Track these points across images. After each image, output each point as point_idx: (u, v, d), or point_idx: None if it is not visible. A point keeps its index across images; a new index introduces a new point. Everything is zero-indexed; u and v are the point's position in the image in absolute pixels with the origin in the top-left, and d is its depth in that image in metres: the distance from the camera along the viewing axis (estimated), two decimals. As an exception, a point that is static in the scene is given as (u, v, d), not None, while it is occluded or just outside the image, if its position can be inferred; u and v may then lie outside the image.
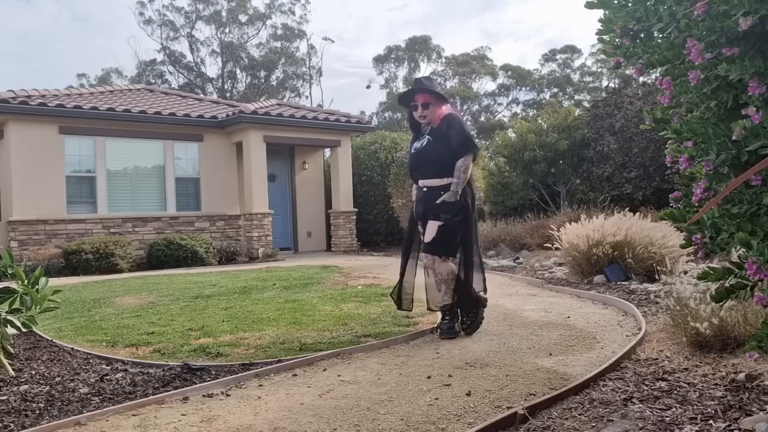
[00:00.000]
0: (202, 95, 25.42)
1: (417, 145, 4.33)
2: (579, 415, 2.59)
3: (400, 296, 4.51)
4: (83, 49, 49.98)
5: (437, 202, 4.21)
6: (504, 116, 35.03)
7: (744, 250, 1.91)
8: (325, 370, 3.55)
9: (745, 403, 2.58)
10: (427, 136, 4.28)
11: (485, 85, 36.32)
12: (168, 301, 6.41)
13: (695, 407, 2.58)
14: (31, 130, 11.40)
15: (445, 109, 4.33)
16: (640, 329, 4.18)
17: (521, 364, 3.50)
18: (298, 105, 18.34)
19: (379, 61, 35.62)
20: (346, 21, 54.65)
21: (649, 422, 2.43)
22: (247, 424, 2.67)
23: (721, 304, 2.94)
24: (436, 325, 4.44)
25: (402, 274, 4.48)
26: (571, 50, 35.58)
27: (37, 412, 2.89)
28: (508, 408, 2.70)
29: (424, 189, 4.29)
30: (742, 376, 2.92)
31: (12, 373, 3.51)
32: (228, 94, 32.95)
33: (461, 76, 35.35)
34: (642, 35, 2.12)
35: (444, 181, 4.21)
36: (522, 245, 10.50)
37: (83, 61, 53.28)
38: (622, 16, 2.10)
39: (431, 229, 4.22)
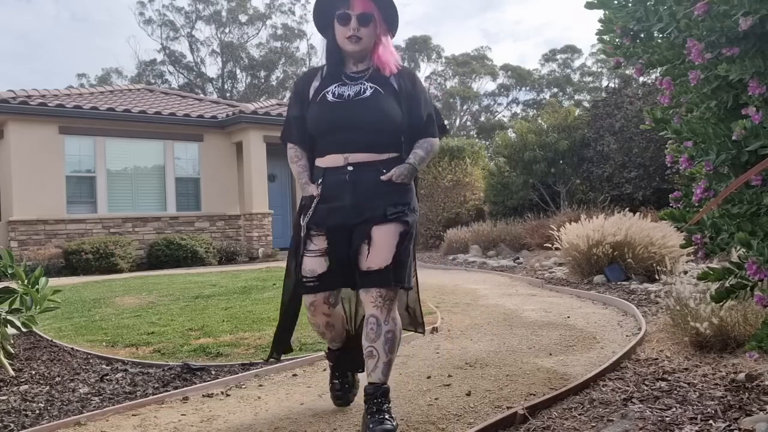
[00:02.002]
0: (202, 95, 25.42)
1: (345, 91, 2.46)
2: (579, 415, 2.59)
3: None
4: (83, 49, 50.06)
5: (383, 178, 2.40)
6: (504, 116, 35.10)
7: (744, 250, 1.91)
8: (325, 370, 3.55)
9: (745, 403, 2.58)
10: (368, 84, 2.46)
11: (485, 85, 36.47)
12: (168, 301, 6.41)
13: (695, 407, 2.58)
14: (31, 130, 11.40)
15: (393, 50, 2.57)
16: (640, 329, 4.18)
17: (521, 364, 3.50)
18: (298, 105, 18.31)
19: (379, 61, 35.59)
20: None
21: (649, 422, 2.43)
22: (247, 424, 2.67)
23: (721, 304, 2.94)
24: (433, 327, 4.44)
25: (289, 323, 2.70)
26: (571, 50, 35.64)
27: (37, 412, 2.89)
28: (508, 408, 2.70)
29: (350, 168, 2.40)
30: (742, 376, 2.92)
31: (12, 373, 3.51)
32: (228, 94, 32.95)
33: (461, 76, 35.37)
34: (642, 35, 2.12)
35: (384, 156, 2.45)
36: (522, 245, 10.50)
37: (83, 61, 53.42)
38: (622, 16, 2.10)
39: (386, 238, 2.37)
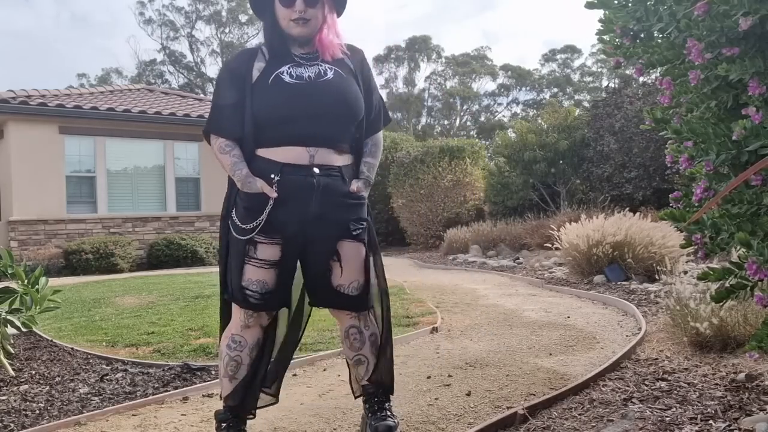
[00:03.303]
0: (202, 95, 25.41)
1: (303, 72, 2.15)
2: (579, 415, 2.59)
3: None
4: (83, 49, 50.14)
5: (352, 189, 2.19)
6: (504, 116, 35.13)
7: (744, 250, 1.91)
8: (325, 370, 3.55)
9: (745, 403, 2.58)
10: (326, 65, 2.18)
11: (485, 85, 36.38)
12: (168, 301, 6.41)
13: (695, 407, 2.58)
14: (31, 130, 11.40)
15: (339, 31, 2.25)
16: (640, 329, 4.18)
17: (521, 364, 3.50)
18: (298, 105, 18.31)
19: (379, 61, 35.65)
20: (345, 21, 54.53)
21: (649, 422, 2.43)
22: (247, 424, 2.66)
23: (721, 304, 2.94)
24: (433, 327, 4.44)
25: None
26: (571, 50, 35.63)
27: (37, 412, 2.89)
28: (508, 408, 2.70)
29: (316, 170, 2.11)
30: (742, 376, 2.92)
31: (12, 373, 3.51)
32: (228, 94, 32.93)
33: (461, 76, 35.37)
34: (642, 35, 2.12)
35: (345, 159, 2.21)
36: (522, 245, 10.51)
37: (83, 61, 53.52)
38: (622, 16, 2.10)
39: (356, 257, 2.21)
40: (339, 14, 2.25)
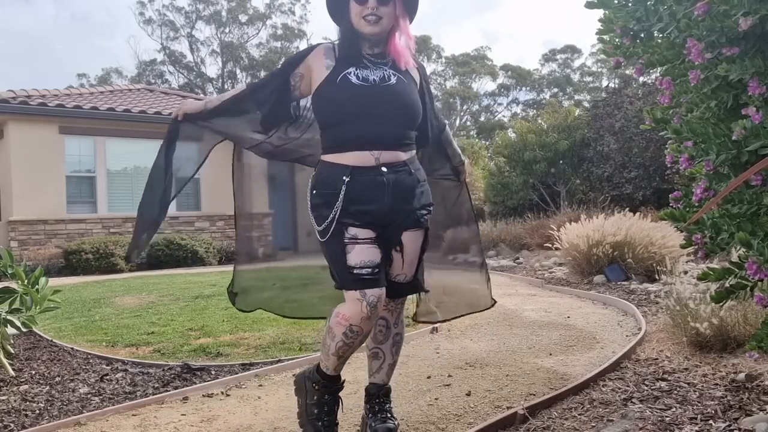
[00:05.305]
0: (202, 95, 25.42)
1: (368, 75, 2.21)
2: (579, 415, 2.59)
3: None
4: (83, 49, 50.14)
5: (420, 181, 2.28)
6: (504, 116, 35.14)
7: (744, 250, 1.91)
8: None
9: (745, 403, 2.58)
10: (390, 71, 2.24)
11: (485, 85, 36.47)
12: (168, 301, 6.41)
13: (695, 407, 2.58)
14: (31, 130, 11.40)
15: (411, 35, 2.31)
16: (640, 329, 4.18)
17: (521, 364, 3.50)
18: (298, 105, 18.31)
19: (379, 61, 35.59)
20: (346, 21, 54.74)
21: (649, 422, 2.43)
22: (247, 424, 2.67)
23: (721, 304, 2.94)
24: (433, 327, 4.43)
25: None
26: (571, 50, 35.65)
27: (37, 412, 2.89)
28: (508, 408, 2.70)
29: (384, 168, 2.17)
30: (742, 376, 2.92)
31: (12, 373, 3.51)
32: (228, 94, 32.92)
33: (461, 76, 35.38)
34: (642, 35, 2.12)
35: (408, 155, 2.25)
36: (522, 245, 10.51)
37: (83, 61, 53.53)
38: (622, 16, 2.10)
39: (415, 247, 2.28)
40: (411, 19, 2.30)
